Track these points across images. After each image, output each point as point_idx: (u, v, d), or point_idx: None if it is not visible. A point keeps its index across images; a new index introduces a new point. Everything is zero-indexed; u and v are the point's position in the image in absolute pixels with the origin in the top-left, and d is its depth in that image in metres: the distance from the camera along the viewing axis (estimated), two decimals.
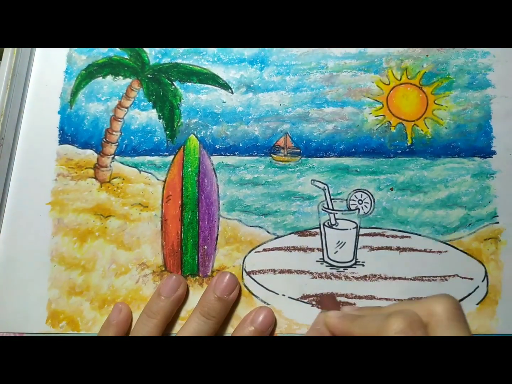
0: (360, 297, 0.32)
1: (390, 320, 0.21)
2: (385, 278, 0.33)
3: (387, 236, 0.33)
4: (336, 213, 0.34)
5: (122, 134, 0.35)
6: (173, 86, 0.36)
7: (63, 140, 0.36)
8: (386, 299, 0.32)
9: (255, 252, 0.33)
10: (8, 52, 0.35)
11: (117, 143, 0.35)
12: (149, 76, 0.36)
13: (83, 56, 0.37)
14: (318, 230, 0.34)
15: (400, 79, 0.36)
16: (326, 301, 0.31)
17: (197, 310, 0.29)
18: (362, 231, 0.34)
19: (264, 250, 0.33)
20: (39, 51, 0.37)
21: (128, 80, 0.36)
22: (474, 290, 0.32)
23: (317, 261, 0.33)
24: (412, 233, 0.33)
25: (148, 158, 0.35)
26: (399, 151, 0.35)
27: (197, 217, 0.34)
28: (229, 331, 0.32)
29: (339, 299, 0.32)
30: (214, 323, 0.29)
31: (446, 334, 0.20)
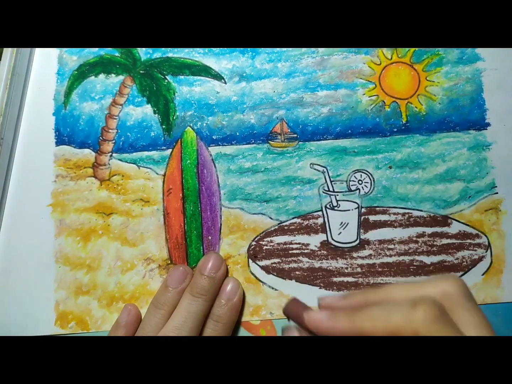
0: (366, 275, 0.32)
1: (419, 307, 0.20)
2: (390, 256, 0.33)
3: (389, 214, 0.34)
4: (337, 195, 0.34)
5: (118, 131, 0.35)
6: (166, 80, 0.36)
7: (59, 141, 0.36)
8: (392, 276, 0.32)
9: (260, 239, 0.33)
10: (7, 52, 0.35)
11: (114, 141, 0.35)
12: (141, 72, 0.37)
13: (74, 57, 0.37)
14: (320, 213, 0.34)
15: (391, 58, 0.36)
16: (293, 307, 0.24)
17: (187, 292, 0.30)
18: (364, 210, 0.34)
19: (268, 236, 0.34)
20: (37, 52, 0.37)
21: (121, 77, 0.36)
22: (479, 261, 0.33)
23: (321, 243, 0.33)
24: (413, 209, 0.34)
25: (146, 153, 0.35)
26: (395, 129, 0.35)
27: (199, 209, 0.34)
28: (242, 319, 0.32)
29: (345, 279, 0.32)
30: (203, 300, 0.29)
31: (464, 312, 0.20)
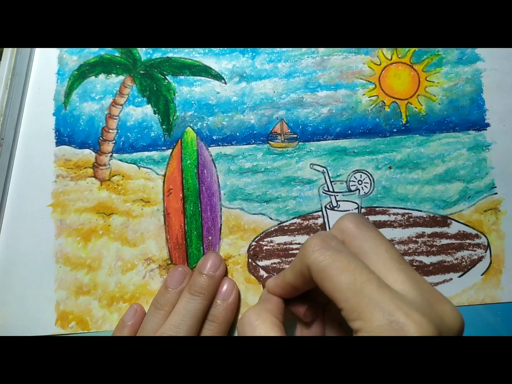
0: None
1: (305, 244, 0.22)
2: None
3: (389, 214, 0.34)
4: (337, 195, 0.34)
5: (119, 131, 0.36)
6: (166, 81, 0.36)
7: (60, 141, 0.36)
8: None
9: (260, 239, 0.34)
10: (7, 52, 0.35)
11: (114, 141, 0.35)
12: (141, 72, 0.37)
13: (74, 57, 0.37)
14: (320, 213, 0.34)
15: (391, 58, 0.36)
16: (264, 279, 0.31)
17: (186, 290, 0.30)
18: (363, 211, 0.34)
19: (268, 236, 0.34)
20: (37, 52, 0.37)
21: (121, 78, 0.36)
22: (478, 261, 0.33)
23: None
24: (413, 209, 0.34)
25: (146, 153, 0.35)
26: (395, 130, 0.35)
27: (199, 209, 0.34)
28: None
29: None
30: (201, 299, 0.29)
31: (360, 240, 0.23)
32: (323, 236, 0.22)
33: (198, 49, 0.37)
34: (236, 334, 0.32)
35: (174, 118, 0.36)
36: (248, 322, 0.24)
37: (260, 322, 0.23)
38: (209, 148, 0.35)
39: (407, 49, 0.36)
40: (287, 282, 0.24)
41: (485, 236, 0.33)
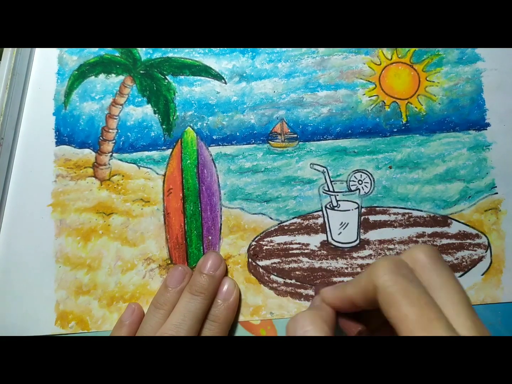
0: None
1: (376, 264, 0.21)
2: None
3: (389, 214, 0.34)
4: (337, 195, 0.34)
5: (119, 131, 0.36)
6: (166, 80, 0.36)
7: (60, 141, 0.36)
8: None
9: (260, 239, 0.34)
10: (7, 52, 0.35)
11: (114, 141, 0.35)
12: (141, 72, 0.37)
13: (74, 57, 0.37)
14: (320, 213, 0.34)
15: (391, 58, 0.36)
16: (320, 287, 0.31)
17: (186, 290, 0.30)
18: (364, 210, 0.34)
19: (268, 236, 0.34)
20: (37, 52, 0.37)
21: (121, 77, 0.36)
22: (478, 261, 0.33)
23: (321, 243, 0.33)
24: (413, 209, 0.34)
25: (146, 153, 0.35)
26: (395, 130, 0.35)
27: (199, 209, 0.34)
28: (240, 319, 0.32)
29: (345, 279, 0.32)
30: (202, 298, 0.29)
31: (432, 275, 0.21)
32: (396, 260, 0.21)
33: (198, 49, 0.37)
34: (237, 335, 0.32)
35: (174, 118, 0.36)
36: (302, 324, 0.23)
37: (312, 328, 0.22)
38: (209, 147, 0.35)
39: (407, 49, 0.36)
40: (347, 296, 0.23)
41: (486, 236, 0.33)
